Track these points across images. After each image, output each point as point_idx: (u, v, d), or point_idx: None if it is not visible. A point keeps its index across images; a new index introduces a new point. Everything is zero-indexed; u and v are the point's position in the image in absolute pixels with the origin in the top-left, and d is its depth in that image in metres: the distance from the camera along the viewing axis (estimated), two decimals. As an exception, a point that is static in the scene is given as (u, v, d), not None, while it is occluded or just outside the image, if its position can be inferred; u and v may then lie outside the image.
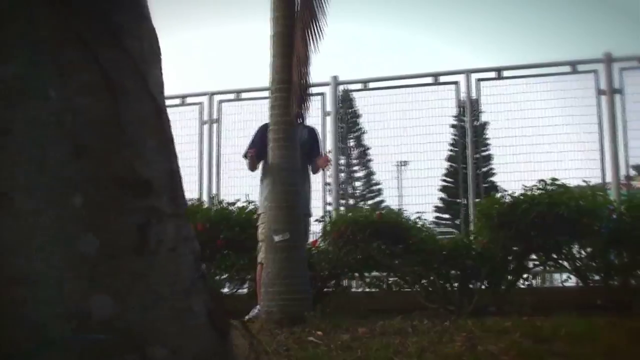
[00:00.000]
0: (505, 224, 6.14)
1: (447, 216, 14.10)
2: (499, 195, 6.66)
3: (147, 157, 1.58)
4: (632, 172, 7.95)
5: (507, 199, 6.32)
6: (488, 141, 9.08)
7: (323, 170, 6.92)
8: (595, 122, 7.86)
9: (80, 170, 1.47)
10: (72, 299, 1.37)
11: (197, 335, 1.57)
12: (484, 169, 9.11)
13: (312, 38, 5.45)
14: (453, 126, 8.91)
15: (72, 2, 1.55)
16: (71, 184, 1.45)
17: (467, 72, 8.44)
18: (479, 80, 8.39)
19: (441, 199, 12.14)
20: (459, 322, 5.02)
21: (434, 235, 6.77)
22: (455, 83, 8.50)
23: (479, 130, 8.56)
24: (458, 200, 8.62)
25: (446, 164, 10.18)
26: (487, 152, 9.15)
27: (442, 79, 8.58)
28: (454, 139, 9.15)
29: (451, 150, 9.49)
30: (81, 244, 1.41)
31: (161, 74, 1.75)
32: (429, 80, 8.62)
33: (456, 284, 6.40)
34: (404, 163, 9.09)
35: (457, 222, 9.46)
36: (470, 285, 6.34)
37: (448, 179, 10.85)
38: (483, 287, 6.29)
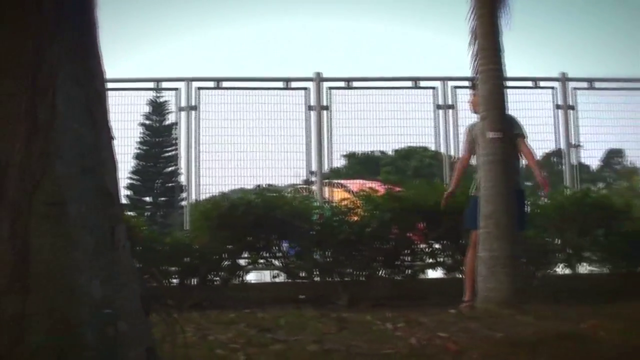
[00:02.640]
0: (224, 224, 6.46)
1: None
2: (216, 198, 6.96)
3: (110, 173, 1.99)
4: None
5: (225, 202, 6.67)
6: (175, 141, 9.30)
7: None
8: (303, 134, 8.60)
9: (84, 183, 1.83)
10: (84, 285, 1.72)
11: (140, 315, 1.98)
12: (170, 169, 9.35)
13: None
14: (143, 125, 9.01)
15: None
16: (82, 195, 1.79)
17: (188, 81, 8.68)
18: (199, 88, 8.68)
19: (127, 196, 12.19)
20: (183, 315, 5.17)
21: (155, 232, 6.87)
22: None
23: (165, 130, 8.80)
24: (145, 198, 8.76)
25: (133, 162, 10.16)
26: (173, 152, 9.38)
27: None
28: (143, 138, 9.27)
29: (139, 149, 9.53)
30: (86, 242, 1.75)
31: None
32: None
33: (176, 280, 6.56)
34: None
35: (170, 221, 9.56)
36: (190, 281, 6.55)
37: (134, 177, 10.84)
38: (202, 283, 6.53)
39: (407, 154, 34.58)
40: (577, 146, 9.41)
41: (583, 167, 9.79)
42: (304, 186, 8.47)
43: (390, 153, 33.09)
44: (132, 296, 1.95)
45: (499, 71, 5.85)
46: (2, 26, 1.76)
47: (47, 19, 1.80)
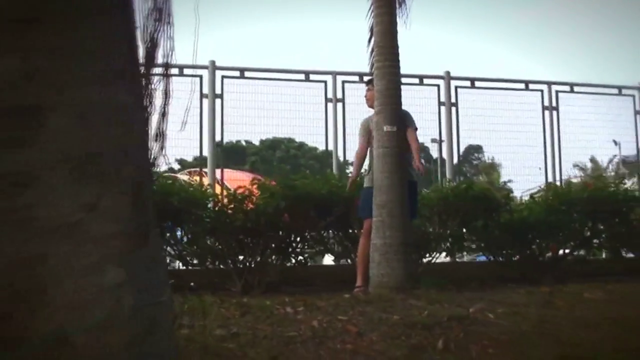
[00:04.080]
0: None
1: None
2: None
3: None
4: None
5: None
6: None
7: None
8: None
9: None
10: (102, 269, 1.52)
11: None
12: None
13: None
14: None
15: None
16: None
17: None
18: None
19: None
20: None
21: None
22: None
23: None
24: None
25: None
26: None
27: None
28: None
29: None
30: (108, 229, 1.53)
31: None
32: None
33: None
34: None
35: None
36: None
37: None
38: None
39: (273, 145, 34.75)
40: (441, 141, 9.95)
41: (444, 161, 10.27)
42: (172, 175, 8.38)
43: (255, 143, 33.22)
44: None
45: (395, 68, 6.09)
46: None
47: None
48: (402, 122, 6.14)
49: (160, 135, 2.36)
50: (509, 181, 8.77)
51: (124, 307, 1.50)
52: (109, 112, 1.58)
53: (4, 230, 1.37)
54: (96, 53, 1.56)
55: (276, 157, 35.69)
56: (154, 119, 2.40)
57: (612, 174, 14.27)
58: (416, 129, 6.38)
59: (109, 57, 1.61)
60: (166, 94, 2.43)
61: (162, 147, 2.39)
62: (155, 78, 2.39)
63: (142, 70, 2.31)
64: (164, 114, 2.44)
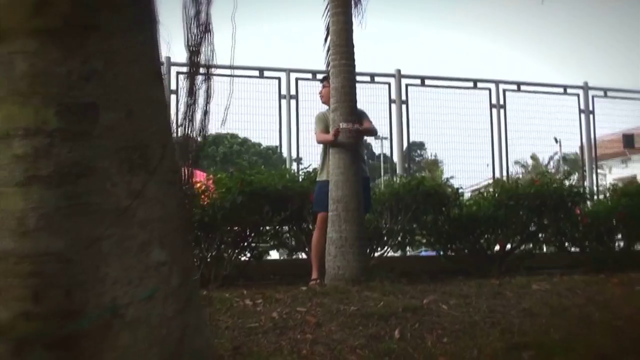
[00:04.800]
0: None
1: None
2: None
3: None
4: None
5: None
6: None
7: None
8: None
9: None
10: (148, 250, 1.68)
11: None
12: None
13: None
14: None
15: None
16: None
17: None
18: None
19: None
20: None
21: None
22: None
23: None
24: None
25: None
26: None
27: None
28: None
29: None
30: (152, 214, 1.68)
31: None
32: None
33: None
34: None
35: None
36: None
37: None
38: None
39: (215, 140, 34.55)
40: (384, 138, 10.15)
41: (387, 158, 10.47)
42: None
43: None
44: None
45: (350, 66, 6.21)
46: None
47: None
48: (359, 120, 6.26)
49: (203, 130, 2.66)
50: (452, 177, 8.96)
51: (167, 283, 1.66)
52: (151, 110, 1.74)
53: (67, 214, 1.51)
54: (141, 57, 1.73)
55: (219, 152, 35.45)
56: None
57: (553, 170, 14.70)
58: (370, 122, 6.54)
59: (150, 61, 1.79)
60: (208, 94, 2.66)
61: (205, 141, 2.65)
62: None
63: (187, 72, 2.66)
64: (206, 112, 2.66)
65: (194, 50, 2.50)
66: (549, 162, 17.61)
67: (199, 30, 2.46)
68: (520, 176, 10.88)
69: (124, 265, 1.57)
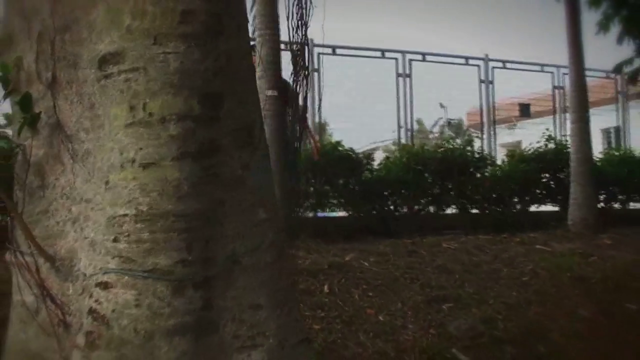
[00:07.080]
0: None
1: None
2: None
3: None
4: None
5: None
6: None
7: None
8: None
9: None
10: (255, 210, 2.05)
11: None
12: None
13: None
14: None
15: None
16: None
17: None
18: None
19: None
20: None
21: None
22: None
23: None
24: None
25: None
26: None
27: None
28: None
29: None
30: (257, 182, 2.06)
31: None
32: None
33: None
34: None
35: None
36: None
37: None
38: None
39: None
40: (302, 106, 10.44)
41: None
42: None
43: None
44: None
45: (275, 35, 6.37)
46: None
47: None
48: (285, 89, 6.45)
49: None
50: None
51: (267, 237, 2.03)
52: (254, 97, 2.15)
53: (205, 182, 1.89)
54: (247, 54, 2.12)
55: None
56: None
57: (437, 135, 15.33)
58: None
59: (250, 56, 2.19)
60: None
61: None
62: None
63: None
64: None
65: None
66: (434, 126, 18.19)
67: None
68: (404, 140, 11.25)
69: (239, 223, 1.96)
